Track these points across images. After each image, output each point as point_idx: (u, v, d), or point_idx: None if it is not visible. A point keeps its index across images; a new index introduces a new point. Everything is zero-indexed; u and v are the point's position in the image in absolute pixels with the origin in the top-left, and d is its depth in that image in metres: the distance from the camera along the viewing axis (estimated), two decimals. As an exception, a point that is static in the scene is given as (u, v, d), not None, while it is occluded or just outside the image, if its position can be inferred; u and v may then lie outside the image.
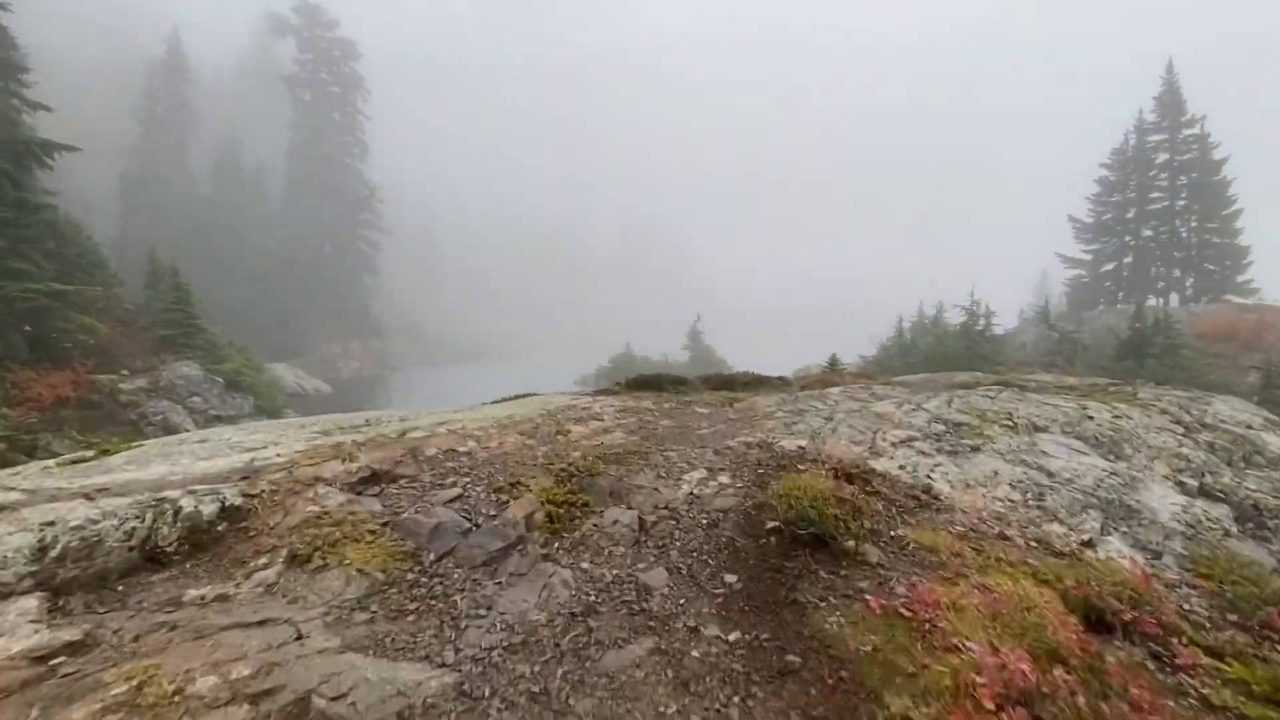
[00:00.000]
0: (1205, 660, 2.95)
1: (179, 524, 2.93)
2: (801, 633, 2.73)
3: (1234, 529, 4.65)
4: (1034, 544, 3.98)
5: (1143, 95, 44.50)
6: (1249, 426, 6.46)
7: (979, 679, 2.36)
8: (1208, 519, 4.69)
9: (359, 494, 3.65)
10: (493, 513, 3.57)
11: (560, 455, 4.69)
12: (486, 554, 3.18)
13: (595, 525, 3.60)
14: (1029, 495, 4.65)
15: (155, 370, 21.62)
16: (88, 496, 3.49)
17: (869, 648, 2.60)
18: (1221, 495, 5.10)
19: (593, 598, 2.92)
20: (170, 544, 2.87)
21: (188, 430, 20.45)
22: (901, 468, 4.93)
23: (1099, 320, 38.83)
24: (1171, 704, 2.56)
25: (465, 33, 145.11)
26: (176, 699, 2.05)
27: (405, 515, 3.44)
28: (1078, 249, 47.92)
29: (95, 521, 2.78)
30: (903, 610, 2.82)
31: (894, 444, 5.46)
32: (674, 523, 3.67)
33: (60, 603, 2.55)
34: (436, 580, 2.97)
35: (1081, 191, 48.24)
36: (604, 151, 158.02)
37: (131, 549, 2.77)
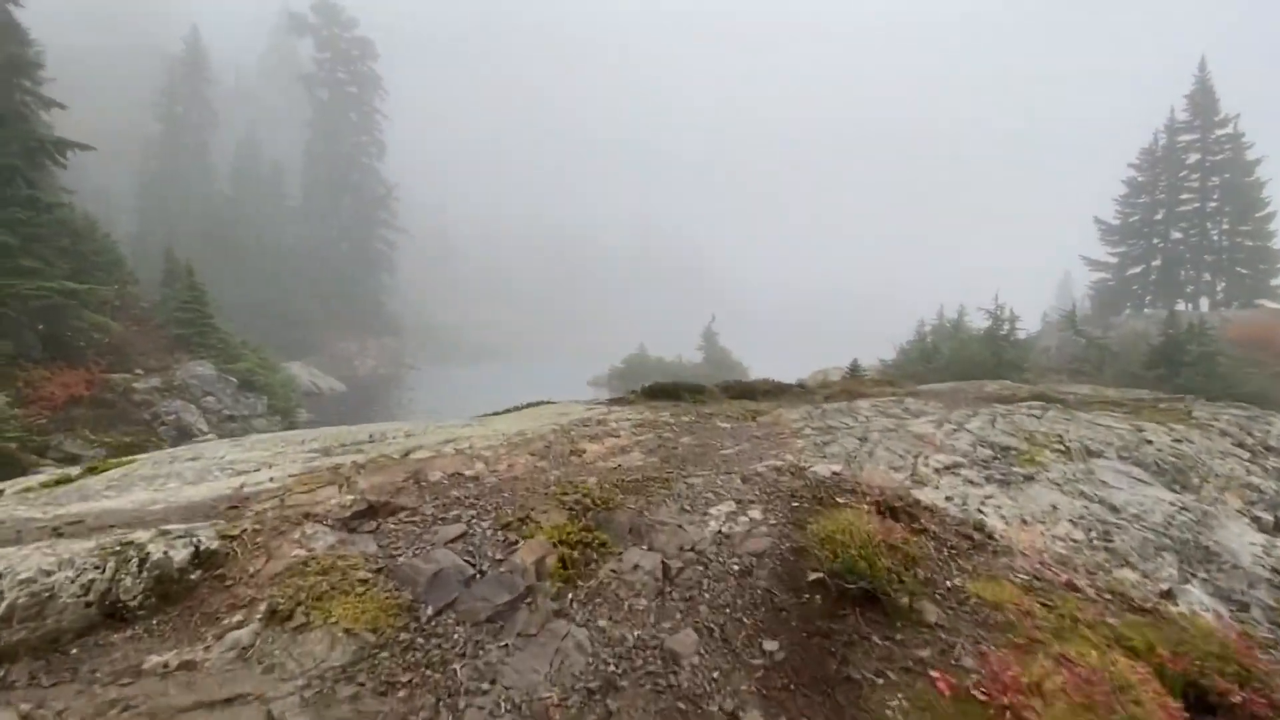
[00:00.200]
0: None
1: (145, 574, 2.57)
2: None
3: (1327, 576, 4.15)
4: (1108, 596, 3.53)
5: (1173, 94, 43.28)
6: (1323, 452, 5.93)
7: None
8: (1296, 564, 4.21)
9: (352, 531, 3.29)
10: (499, 556, 3.18)
11: (574, 482, 4.30)
12: (492, 608, 2.80)
13: (614, 571, 3.21)
14: (1094, 534, 4.18)
15: (169, 369, 21.59)
16: (56, 531, 3.16)
17: (941, 744, 2.19)
18: (1304, 534, 4.61)
19: (612, 667, 2.53)
20: (134, 597, 2.52)
21: (201, 431, 20.39)
22: (949, 499, 4.48)
23: (1126, 325, 37.81)
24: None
25: (482, 34, 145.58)
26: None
27: (402, 559, 3.07)
28: (1103, 251, 46.79)
29: (49, 573, 2.44)
30: (977, 693, 2.40)
31: (937, 471, 5.01)
32: (702, 569, 3.27)
33: (1, 674, 2.20)
34: (434, 642, 2.59)
35: (1108, 193, 47.12)
36: (620, 152, 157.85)
37: (89, 605, 2.43)
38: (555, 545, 3.28)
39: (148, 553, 2.66)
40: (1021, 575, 3.56)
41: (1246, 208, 38.16)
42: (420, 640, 2.59)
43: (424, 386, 47.84)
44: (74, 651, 2.36)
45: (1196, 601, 3.70)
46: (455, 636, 2.64)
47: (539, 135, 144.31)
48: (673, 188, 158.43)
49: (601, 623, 2.81)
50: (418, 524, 3.50)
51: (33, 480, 4.65)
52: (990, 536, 4.02)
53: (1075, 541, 4.10)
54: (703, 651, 2.65)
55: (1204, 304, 40.56)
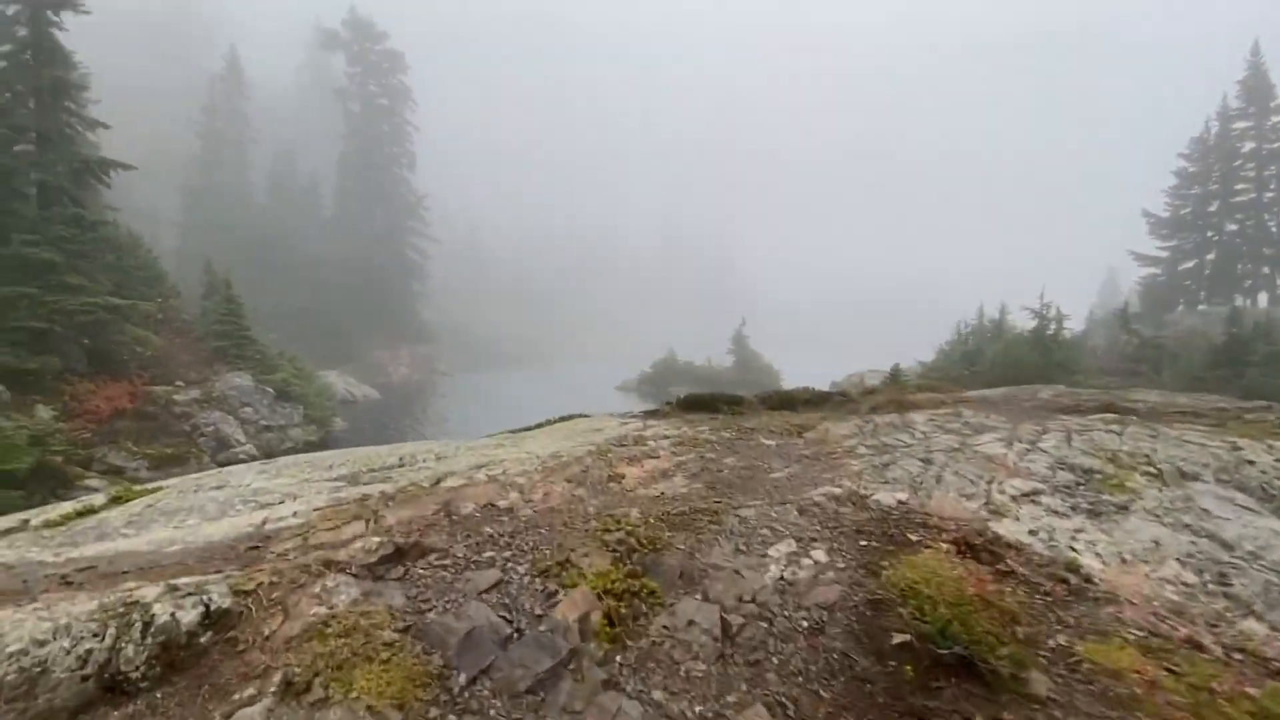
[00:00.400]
0: None
1: (149, 640, 2.31)
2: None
3: None
4: (1238, 656, 3.03)
5: (1225, 80, 41.26)
6: None
7: None
8: None
9: (378, 579, 2.99)
10: (539, 610, 2.85)
11: (615, 515, 3.95)
12: (532, 677, 2.46)
13: (666, 628, 2.84)
14: (1207, 577, 3.67)
15: (208, 381, 21.98)
16: (65, 580, 2.94)
17: None
18: None
19: (673, 756, 2.17)
20: (137, 668, 2.25)
21: (239, 441, 20.68)
22: (1033, 534, 4.00)
23: (1182, 323, 36.02)
24: None
25: (506, 42, 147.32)
26: None
27: (432, 615, 2.75)
28: (1153, 246, 44.80)
29: (42, 643, 2.18)
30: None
31: (1015, 499, 4.53)
32: (765, 625, 2.89)
33: (-16, 762, 1.94)
34: (467, 720, 2.26)
35: (1156, 184, 45.13)
36: (645, 156, 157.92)
37: (86, 678, 2.16)
38: (600, 597, 2.93)
39: (153, 615, 2.39)
40: (1134, 631, 3.08)
41: (1307, 198, 36.12)
42: (452, 719, 2.27)
43: (456, 394, 48.20)
44: (68, 733, 2.10)
45: (1343, 660, 3.17)
46: (491, 713, 2.30)
47: (563, 141, 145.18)
48: (699, 191, 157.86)
49: (656, 694, 2.45)
50: (449, 569, 3.19)
51: (56, 511, 4.50)
52: (1089, 580, 3.54)
53: (1187, 586, 3.59)
54: (777, 736, 2.26)
55: (1263, 299, 38.49)
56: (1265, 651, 3.13)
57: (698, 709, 2.39)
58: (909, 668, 2.58)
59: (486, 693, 2.40)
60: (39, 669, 2.13)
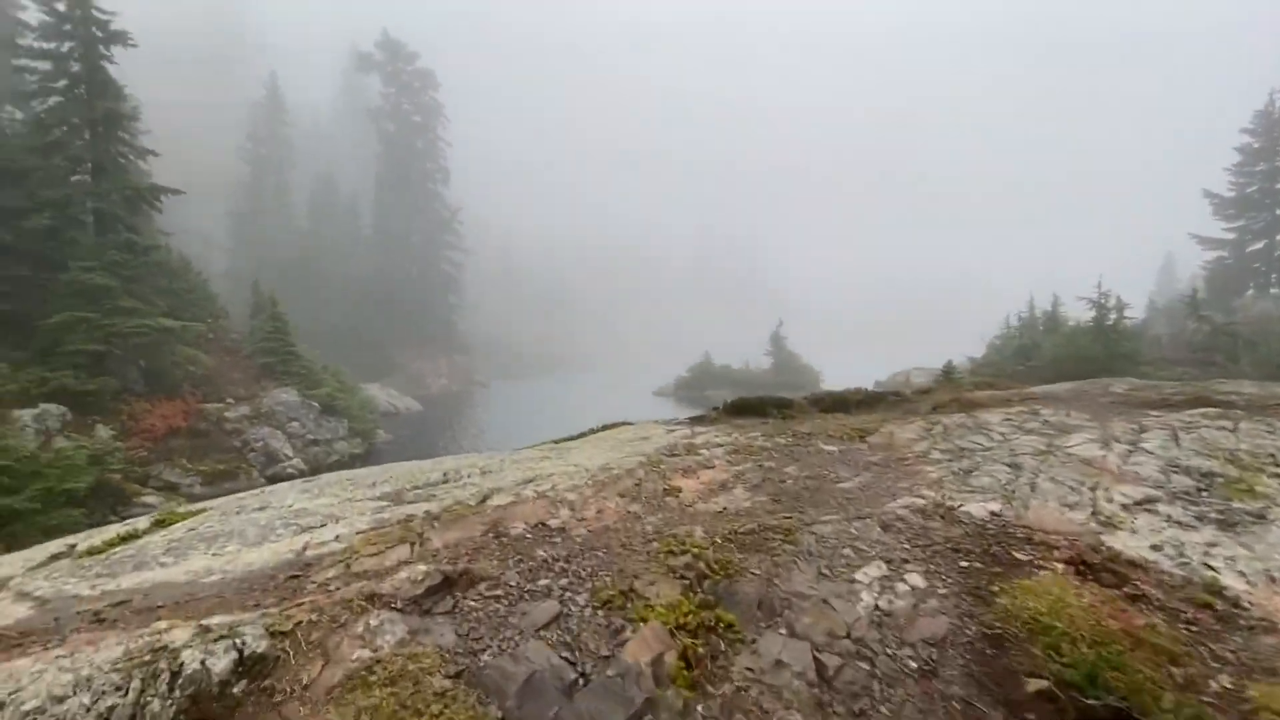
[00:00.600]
0: None
1: (177, 692, 2.06)
2: None
3: None
4: None
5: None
6: None
7: None
8: None
9: (426, 613, 2.70)
10: (605, 651, 2.51)
11: (677, 535, 3.60)
12: (603, 733, 2.12)
13: (750, 671, 2.47)
14: (1382, 599, 3.11)
15: (257, 398, 22.48)
16: (97, 618, 2.74)
17: None
18: None
19: (779, 838, 1.79)
20: (163, 723, 1.99)
21: (286, 456, 21.04)
22: (1158, 549, 3.49)
23: (1254, 308, 33.81)
24: None
25: (538, 55, 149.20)
26: None
27: (486, 658, 2.44)
28: (1217, 227, 42.35)
29: (60, 699, 1.95)
30: None
31: (1127, 508, 4.00)
32: (866, 667, 2.49)
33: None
34: (532, 788, 1.93)
35: (1218, 162, 42.68)
36: (677, 163, 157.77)
37: (106, 738, 1.90)
38: (673, 633, 2.58)
39: (181, 663, 2.14)
40: (1310, 669, 2.58)
41: (1388, 169, 33.59)
42: (514, 786, 1.94)
43: (494, 403, 48.61)
44: (88, 803, 1.85)
45: None
46: (559, 780, 1.97)
47: (594, 150, 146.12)
48: (731, 195, 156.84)
49: (749, 755, 2.08)
50: (502, 599, 2.88)
51: (101, 536, 4.38)
52: (1237, 604, 3.03)
53: (1359, 610, 3.04)
54: (904, 814, 1.87)
55: (1340, 281, 35.96)
56: None
57: (801, 775, 2.02)
58: (1052, 723, 2.15)
59: (552, 753, 2.07)
60: (55, 730, 1.89)
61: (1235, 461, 4.58)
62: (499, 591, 2.95)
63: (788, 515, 4.02)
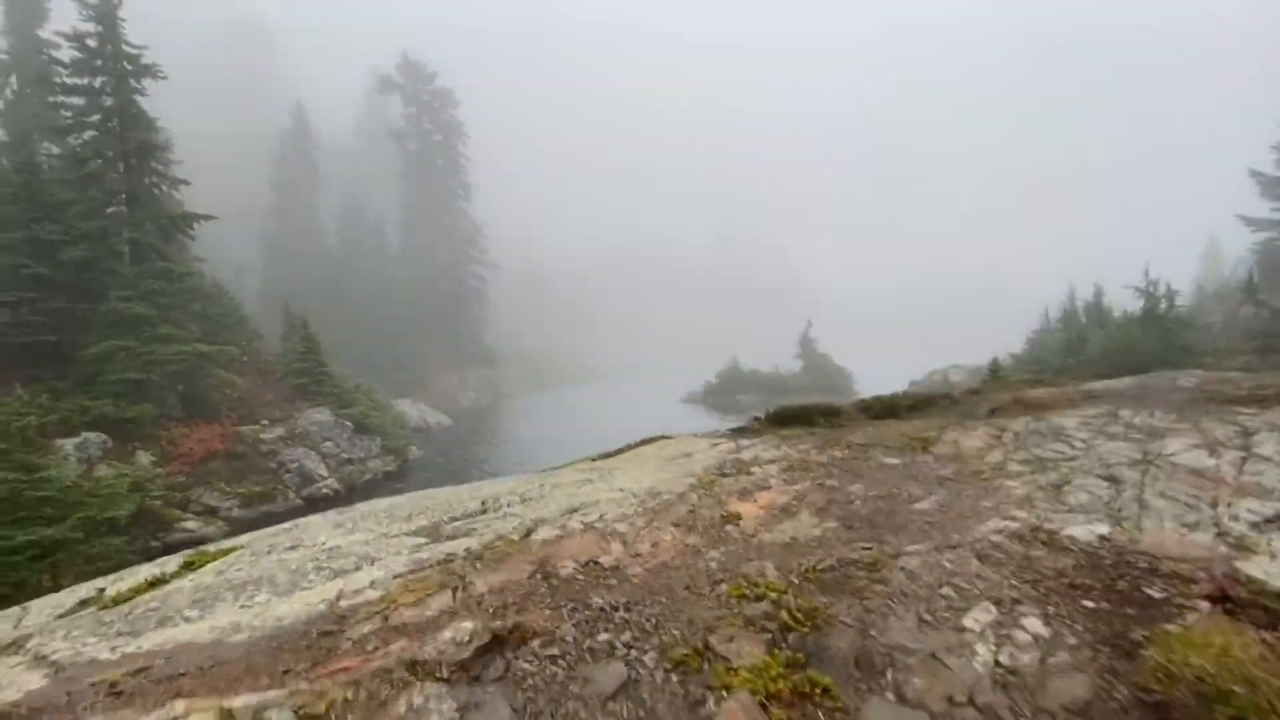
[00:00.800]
0: None
1: (193, 798, 1.73)
2: None
3: None
4: None
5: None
6: None
7: None
8: None
9: (475, 681, 2.36)
10: (686, 730, 2.13)
11: (746, 574, 3.22)
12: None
13: (863, 752, 2.07)
14: None
15: (291, 419, 22.67)
16: (113, 690, 2.46)
17: None
18: None
19: None
20: (177, 839, 1.67)
21: (321, 476, 21.10)
22: (1313, 580, 2.99)
23: (1313, 290, 32.05)
24: None
25: (555, 65, 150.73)
26: None
27: (549, 741, 2.08)
28: (1265, 208, 40.41)
29: (57, 813, 1.63)
30: None
31: (1256, 526, 3.49)
32: (1004, 745, 2.06)
33: None
34: None
35: (1262, 139, 40.79)
36: (695, 165, 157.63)
37: None
38: (764, 705, 2.19)
39: (198, 759, 1.83)
40: None
41: None
42: None
43: (523, 416, 48.64)
44: None
45: None
46: None
47: (614, 158, 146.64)
48: (754, 200, 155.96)
49: None
50: (560, 660, 2.53)
51: (129, 582, 4.17)
52: None
53: None
54: None
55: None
56: None
57: None
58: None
59: None
60: None
61: (1375, 469, 4.02)
62: (555, 650, 2.60)
63: (866, 546, 3.60)
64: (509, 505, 4.82)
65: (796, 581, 3.11)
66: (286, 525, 5.13)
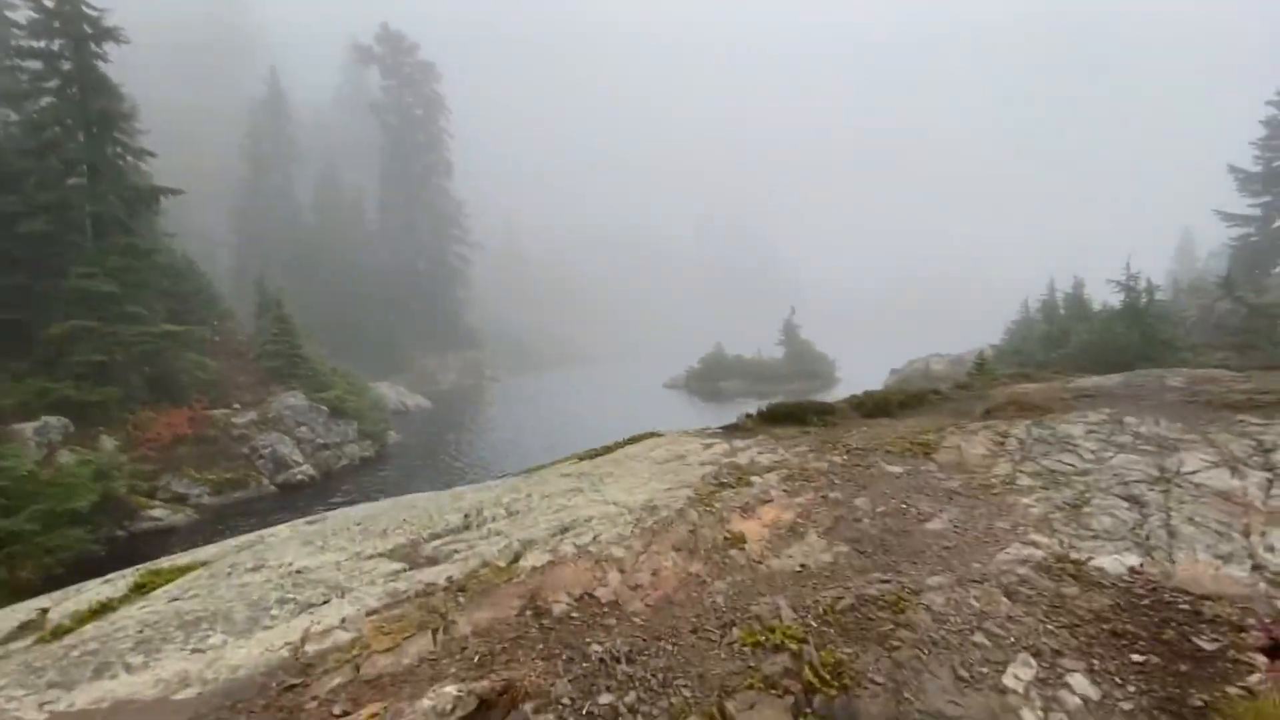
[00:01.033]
0: None
1: None
2: None
3: None
4: None
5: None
6: None
7: None
8: None
9: (459, 760, 2.03)
10: (706, 827, 1.83)
11: (761, 617, 2.93)
12: None
13: None
14: None
15: (264, 402, 21.97)
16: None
17: None
18: None
19: None
20: None
21: (296, 462, 20.49)
22: (1365, 626, 2.79)
23: (1287, 286, 32.63)
24: None
25: (539, 46, 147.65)
26: None
27: (545, 844, 1.77)
28: (1243, 203, 40.93)
29: None
30: None
31: (1294, 559, 3.29)
32: (1068, 845, 1.80)
33: None
34: None
35: (1243, 135, 41.27)
36: (684, 151, 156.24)
37: None
38: (795, 797, 1.90)
39: None
40: None
41: None
42: None
43: (506, 399, 48.06)
44: None
45: None
46: None
47: (599, 142, 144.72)
48: (738, 187, 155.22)
49: None
50: (555, 729, 2.22)
51: (75, 602, 3.78)
52: None
53: None
54: None
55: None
56: None
57: None
58: None
59: None
60: None
61: (1406, 494, 3.85)
62: (551, 717, 2.28)
63: (884, 578, 3.33)
64: (493, 520, 4.48)
65: (815, 625, 2.83)
66: (251, 537, 4.74)
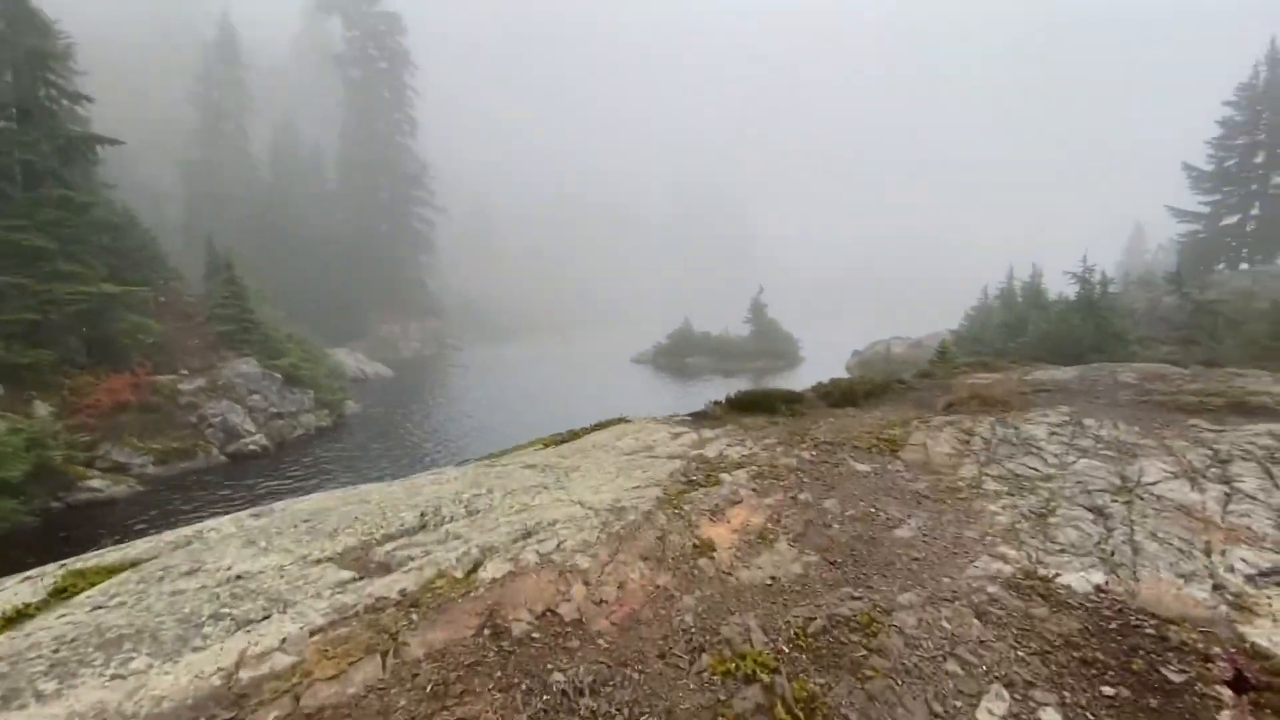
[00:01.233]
0: None
1: None
2: None
3: None
4: None
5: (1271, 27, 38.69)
6: None
7: None
8: None
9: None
10: None
11: (732, 642, 2.82)
12: None
13: None
14: None
15: (214, 368, 21.04)
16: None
17: None
18: None
19: None
20: None
21: (249, 431, 19.74)
22: (1320, 653, 2.83)
23: (1228, 284, 34.07)
24: None
25: (512, 12, 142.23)
26: None
27: None
28: (1194, 200, 42.38)
29: None
30: None
31: (1252, 580, 3.33)
32: None
33: None
34: None
35: (1198, 134, 42.54)
36: (657, 123, 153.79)
37: None
38: None
39: None
40: None
41: (1367, 148, 33.69)
42: None
43: (469, 369, 47.25)
44: None
45: None
46: None
47: (574, 110, 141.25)
48: (713, 164, 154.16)
49: None
50: (511, 775, 2.06)
51: (-18, 611, 3.43)
52: None
53: None
54: None
55: (1309, 257, 36.41)
56: None
57: None
58: None
59: None
60: None
61: (1354, 512, 3.95)
62: (509, 762, 2.13)
63: (855, 594, 3.26)
64: (452, 519, 4.27)
65: (787, 650, 2.74)
66: (188, 532, 4.42)
